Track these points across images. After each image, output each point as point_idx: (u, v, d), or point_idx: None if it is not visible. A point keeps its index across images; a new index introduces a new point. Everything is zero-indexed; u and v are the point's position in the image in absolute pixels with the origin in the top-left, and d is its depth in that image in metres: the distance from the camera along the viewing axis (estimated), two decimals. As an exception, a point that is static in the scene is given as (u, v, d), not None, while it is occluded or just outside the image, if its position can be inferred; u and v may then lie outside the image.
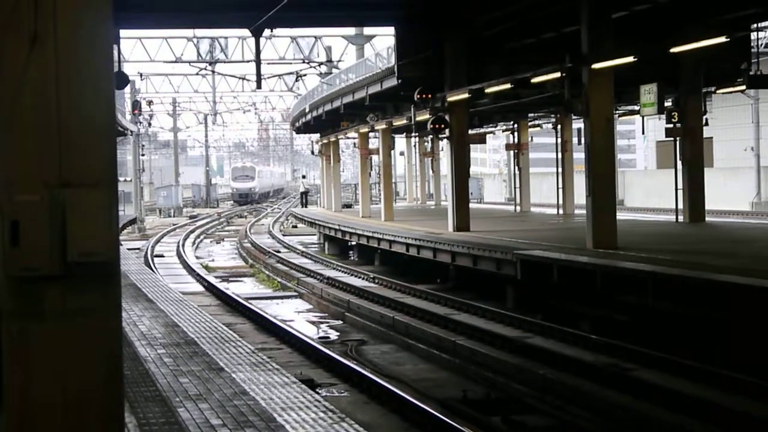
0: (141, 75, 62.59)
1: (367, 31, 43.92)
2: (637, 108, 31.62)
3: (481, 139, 42.58)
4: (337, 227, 38.61)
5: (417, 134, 51.53)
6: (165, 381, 10.80)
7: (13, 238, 4.90)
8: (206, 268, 37.12)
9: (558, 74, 22.27)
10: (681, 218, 29.77)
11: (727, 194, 51.90)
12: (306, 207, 63.04)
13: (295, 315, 25.42)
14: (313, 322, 24.07)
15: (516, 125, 43.16)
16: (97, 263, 4.97)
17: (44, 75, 4.94)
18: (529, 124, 44.68)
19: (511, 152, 45.53)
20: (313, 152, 63.92)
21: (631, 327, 17.85)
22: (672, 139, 29.85)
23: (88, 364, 4.97)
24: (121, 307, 5.20)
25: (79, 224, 4.92)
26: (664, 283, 16.60)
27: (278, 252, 41.48)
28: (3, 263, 4.99)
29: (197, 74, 53.27)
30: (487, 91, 26.20)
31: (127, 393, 9.84)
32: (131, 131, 57.66)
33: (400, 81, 30.29)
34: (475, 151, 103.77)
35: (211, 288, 29.63)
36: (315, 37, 45.86)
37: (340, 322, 23.74)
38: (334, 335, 21.92)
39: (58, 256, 4.90)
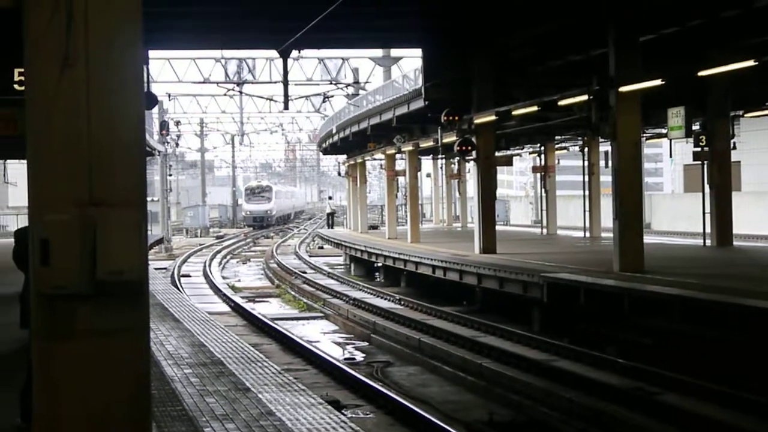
0: (169, 95, 62.80)
1: (395, 52, 44.03)
2: (664, 131, 31.53)
3: (508, 161, 42.47)
4: (363, 248, 38.60)
5: (444, 156, 51.60)
6: (191, 401, 10.82)
7: (44, 257, 4.94)
8: (232, 288, 37.17)
9: (585, 97, 22.25)
10: (708, 242, 29.63)
11: (756, 218, 51.55)
12: (332, 228, 63.07)
13: (321, 336, 25.40)
14: (339, 344, 24.05)
15: (543, 147, 43.13)
16: (126, 282, 5.00)
17: (75, 96, 4.99)
18: (556, 146, 44.62)
19: (538, 174, 45.48)
20: (339, 173, 64.02)
21: (658, 351, 17.76)
22: (699, 162, 29.74)
23: (117, 382, 5.00)
24: (149, 326, 5.23)
25: (108, 243, 4.95)
26: (692, 307, 16.52)
27: (304, 273, 41.49)
28: (33, 281, 5.04)
29: (225, 95, 53.53)
30: (514, 113, 26.20)
31: (154, 412, 9.86)
32: (159, 151, 57.86)
33: (427, 102, 30.33)
34: (502, 173, 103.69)
35: (237, 308, 29.65)
36: (342, 59, 46.01)
37: (366, 343, 23.71)
38: (359, 357, 21.89)
39: (88, 275, 4.94)
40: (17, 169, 59.27)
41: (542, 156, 43.26)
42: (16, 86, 16.64)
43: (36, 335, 5.04)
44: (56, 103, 4.96)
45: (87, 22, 4.97)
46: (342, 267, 46.03)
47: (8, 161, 53.48)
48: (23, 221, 43.44)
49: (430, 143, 35.61)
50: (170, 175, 64.68)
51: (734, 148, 30.06)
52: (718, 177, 28.87)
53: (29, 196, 5.07)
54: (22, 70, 5.53)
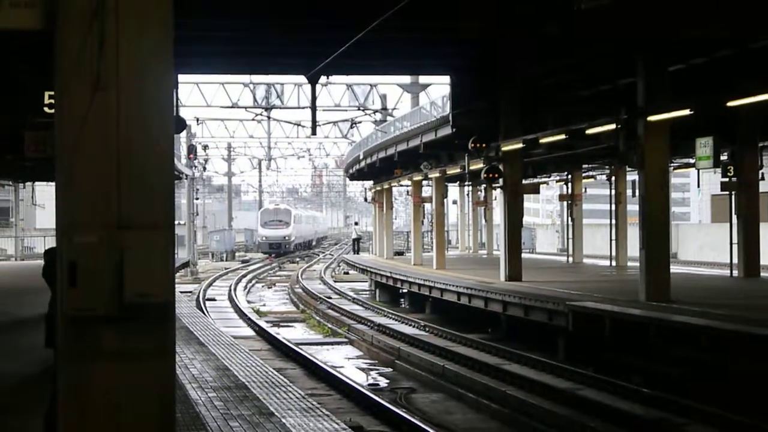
0: (197, 119, 63.13)
1: (423, 79, 44.11)
2: (692, 161, 31.45)
3: (535, 189, 42.49)
4: (388, 274, 38.58)
5: (470, 183, 51.63)
6: (215, 425, 10.83)
7: (71, 279, 4.96)
8: (257, 312, 37.18)
9: (613, 126, 22.23)
10: (735, 273, 29.48)
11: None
12: (358, 253, 63.05)
13: (345, 361, 25.37)
14: (363, 369, 24.01)
15: (570, 176, 43.08)
16: (153, 305, 5.02)
17: (106, 119, 5.02)
18: (583, 174, 44.56)
19: (565, 203, 45.39)
20: (366, 199, 64.09)
21: (684, 381, 17.65)
22: (727, 192, 29.63)
23: (142, 405, 5.01)
24: (174, 348, 5.24)
25: (136, 266, 4.97)
26: (719, 338, 16.42)
27: (329, 298, 41.48)
28: (60, 303, 5.06)
29: (253, 119, 53.82)
30: (542, 141, 26.18)
31: (178, 435, 9.86)
32: (186, 175, 58.11)
33: (454, 129, 30.35)
34: (528, 201, 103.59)
35: (262, 332, 29.66)
36: (370, 85, 46.19)
37: (390, 369, 23.66)
38: (383, 383, 21.85)
39: (115, 298, 4.96)
40: (45, 191, 59.67)
41: (569, 184, 43.20)
42: (46, 109, 16.80)
43: (62, 356, 5.06)
44: (86, 126, 4.99)
45: (118, 47, 5.01)
46: (367, 293, 46.00)
47: (36, 183, 53.82)
48: (50, 243, 43.62)
49: (457, 170, 35.62)
50: (197, 198, 64.81)
51: (763, 178, 29.93)
52: (746, 207, 28.74)
53: (57, 218, 5.10)
54: (53, 93, 5.57)
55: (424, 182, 42.92)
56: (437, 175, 38.36)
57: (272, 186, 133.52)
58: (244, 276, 57.64)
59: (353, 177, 64.83)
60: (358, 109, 47.26)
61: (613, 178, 38.74)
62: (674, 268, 24.88)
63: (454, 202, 64.62)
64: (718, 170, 29.01)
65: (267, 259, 79.16)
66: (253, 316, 34.37)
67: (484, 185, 48.54)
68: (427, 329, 28.66)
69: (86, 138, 5.00)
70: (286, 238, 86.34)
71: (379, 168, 48.66)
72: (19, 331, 19.35)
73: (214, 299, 42.21)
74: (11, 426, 10.75)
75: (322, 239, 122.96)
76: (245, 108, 47.45)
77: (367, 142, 52.91)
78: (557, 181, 50.72)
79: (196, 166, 64.21)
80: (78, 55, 5.00)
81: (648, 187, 21.80)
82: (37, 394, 11.13)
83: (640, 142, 21.62)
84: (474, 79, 28.87)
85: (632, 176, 37.21)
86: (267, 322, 33.43)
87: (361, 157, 52.96)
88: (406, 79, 45.19)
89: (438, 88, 49.55)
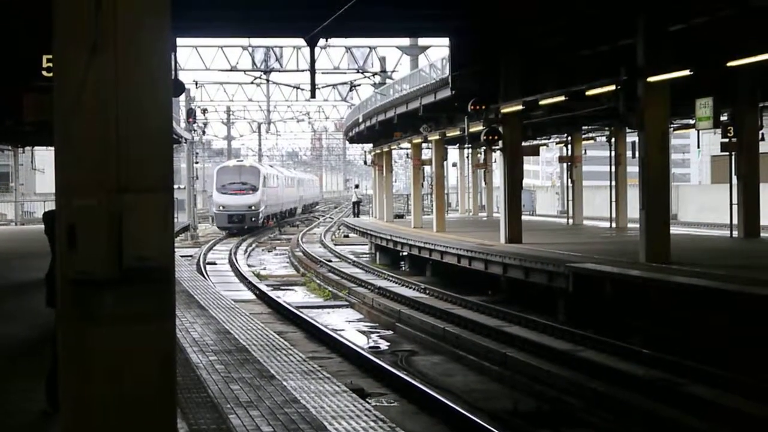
0: (196, 83, 62.97)
1: (422, 41, 43.98)
2: (692, 122, 31.40)
3: (534, 151, 42.50)
4: (388, 237, 38.62)
5: (470, 145, 51.51)
6: (216, 387, 10.86)
7: (70, 242, 4.96)
8: (258, 276, 37.25)
9: (613, 87, 22.17)
10: (735, 233, 29.50)
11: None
12: (358, 217, 63.12)
13: (346, 324, 25.44)
14: (363, 332, 24.08)
15: (569, 138, 43.03)
16: (152, 268, 5.01)
17: (103, 82, 5.00)
18: (583, 136, 44.50)
19: (565, 165, 45.37)
20: (365, 162, 63.99)
21: (684, 342, 17.70)
22: (727, 153, 29.61)
23: (143, 368, 5.02)
24: (175, 312, 5.24)
25: (135, 229, 4.97)
26: (718, 299, 16.45)
27: (329, 261, 41.54)
28: (60, 267, 5.06)
29: (252, 83, 53.58)
30: (541, 103, 26.13)
31: (179, 399, 9.90)
32: (186, 139, 58.04)
33: (453, 92, 30.29)
34: (528, 163, 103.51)
35: (262, 296, 29.73)
36: (369, 48, 46.02)
37: (391, 332, 23.73)
38: (384, 345, 21.91)
39: (115, 261, 4.95)
40: (44, 156, 59.62)
41: (569, 146, 43.17)
42: (45, 73, 16.77)
43: (62, 319, 5.06)
44: (84, 89, 4.97)
45: (115, 8, 4.97)
46: (367, 256, 46.07)
47: (36, 148, 53.79)
48: (49, 208, 43.68)
49: (457, 133, 35.56)
50: (197, 162, 64.79)
51: (763, 139, 29.90)
52: (746, 168, 28.74)
53: (56, 181, 5.09)
54: (51, 56, 5.55)
55: (424, 145, 42.85)
56: (437, 137, 38.31)
57: (272, 150, 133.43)
58: (244, 240, 57.69)
59: (353, 140, 64.74)
60: (357, 72, 47.10)
61: (613, 140, 38.73)
62: (674, 230, 24.89)
63: (454, 165, 64.57)
64: (718, 131, 28.98)
65: (269, 222, 71.16)
66: (254, 280, 34.44)
67: (484, 147, 48.51)
68: (427, 292, 28.71)
69: (84, 101, 4.98)
70: (252, 208, 63.98)
71: (379, 131, 48.59)
72: (24, 295, 19.38)
73: (214, 263, 42.28)
74: (15, 389, 10.79)
75: (312, 206, 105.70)
76: (244, 71, 47.31)
77: (366, 105, 52.80)
78: (557, 143, 50.69)
79: (195, 130, 64.09)
80: (75, 17, 4.97)
81: (648, 148, 21.78)
82: (39, 358, 11.17)
83: (640, 103, 21.58)
84: (473, 41, 28.79)
85: (632, 137, 37.17)
86: (267, 285, 33.50)
87: (361, 120, 52.88)
88: (406, 41, 45.06)
89: (437, 51, 49.50)
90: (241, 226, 62.78)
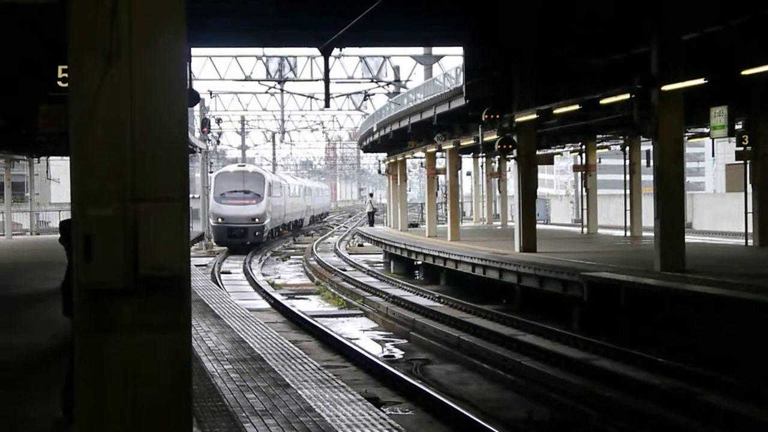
0: (211, 93, 63.14)
1: (436, 51, 43.96)
2: (706, 130, 31.35)
3: (549, 160, 42.41)
4: (403, 246, 38.61)
5: (484, 154, 51.54)
6: (231, 396, 10.88)
7: (86, 252, 4.98)
8: (272, 285, 37.27)
9: (627, 96, 22.15)
10: (750, 242, 29.42)
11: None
12: (373, 226, 63.11)
13: (360, 333, 25.43)
14: (378, 341, 24.07)
15: (584, 146, 42.97)
16: (168, 277, 5.03)
17: (119, 92, 5.02)
18: (597, 145, 44.44)
19: (579, 173, 45.30)
20: (380, 171, 63.99)
21: (700, 351, 17.66)
22: (742, 161, 29.54)
23: (159, 377, 5.03)
24: (191, 321, 5.26)
25: (151, 238, 4.99)
26: (734, 307, 16.41)
27: (344, 270, 41.54)
28: (76, 276, 5.08)
29: (266, 92, 53.65)
30: (555, 111, 26.13)
31: (195, 407, 9.92)
32: (200, 149, 58.10)
33: (467, 101, 30.30)
34: (543, 172, 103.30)
35: (277, 305, 29.75)
36: (383, 57, 46.04)
37: (405, 341, 23.71)
38: (399, 354, 21.90)
39: (131, 270, 4.97)
40: (60, 166, 59.78)
41: (583, 155, 43.09)
42: (60, 83, 16.82)
43: (78, 329, 5.08)
44: (100, 99, 4.99)
45: (131, 18, 5.00)
46: (381, 265, 46.06)
47: (51, 158, 53.95)
48: (65, 217, 43.75)
49: (471, 141, 35.56)
50: (211, 172, 64.81)
51: (777, 147, 29.79)
52: (761, 176, 28.66)
53: (72, 191, 5.11)
54: (66, 67, 5.58)
55: (438, 154, 42.84)
56: (451, 146, 38.31)
57: (286, 159, 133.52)
58: (258, 249, 57.69)
59: (367, 149, 64.76)
60: (372, 82, 47.13)
61: (627, 148, 38.67)
62: (689, 238, 24.85)
63: (468, 174, 64.51)
64: (733, 139, 28.91)
65: (284, 232, 69.91)
66: (268, 289, 34.46)
67: (498, 156, 48.45)
68: (441, 301, 28.70)
69: (99, 110, 5.00)
70: (256, 220, 56.22)
71: (393, 140, 48.62)
72: (40, 303, 19.43)
73: (229, 272, 42.33)
74: (33, 397, 10.83)
75: (323, 216, 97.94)
76: (258, 81, 47.35)
77: (380, 114, 52.83)
78: (571, 152, 50.63)
79: (209, 140, 64.16)
80: (90, 27, 4.99)
81: (662, 157, 21.75)
82: (55, 368, 11.21)
83: (654, 111, 21.56)
84: (487, 50, 28.81)
85: (646, 146, 37.13)
86: (282, 294, 33.51)
87: (375, 129, 52.92)
88: (419, 50, 45.08)
89: (451, 60, 49.53)
90: (243, 242, 55.11)
